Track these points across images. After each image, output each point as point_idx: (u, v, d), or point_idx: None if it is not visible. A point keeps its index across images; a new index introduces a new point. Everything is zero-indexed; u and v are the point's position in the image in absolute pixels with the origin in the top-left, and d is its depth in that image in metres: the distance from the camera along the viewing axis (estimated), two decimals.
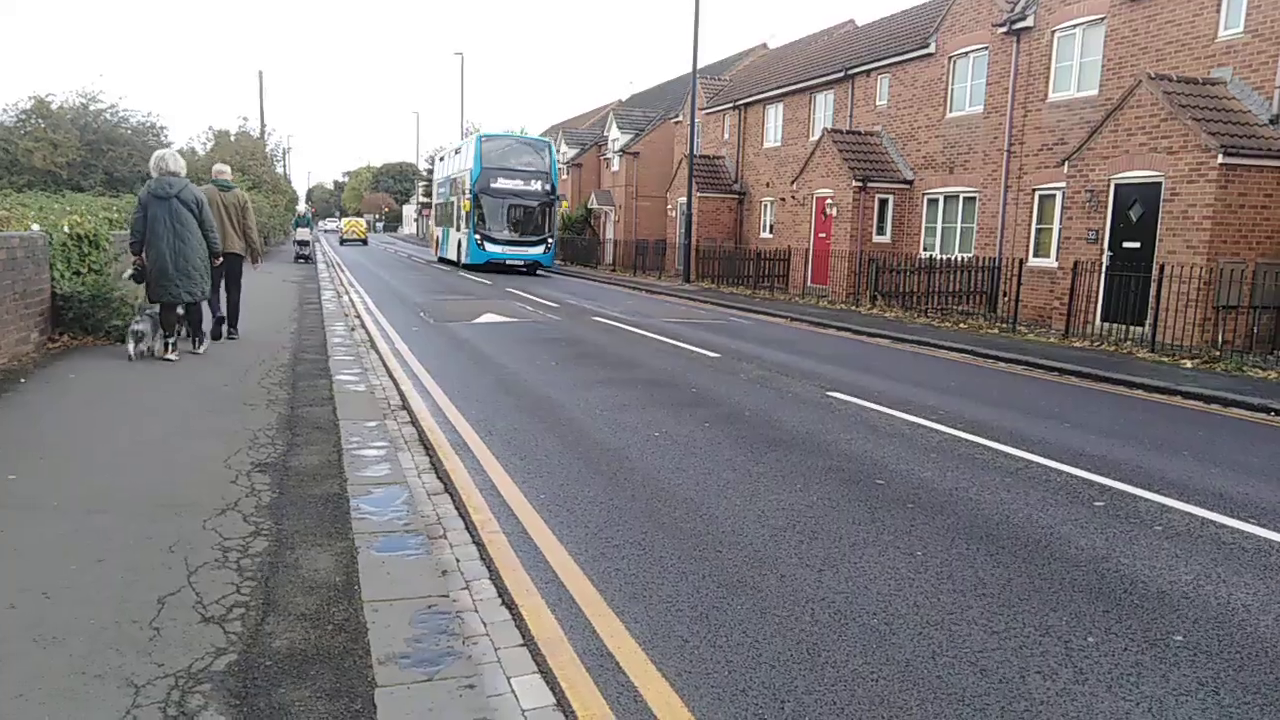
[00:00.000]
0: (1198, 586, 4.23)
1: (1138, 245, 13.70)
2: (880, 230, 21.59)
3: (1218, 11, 13.77)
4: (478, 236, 29.34)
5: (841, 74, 23.76)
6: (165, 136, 39.52)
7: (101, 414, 6.41)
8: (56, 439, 5.69)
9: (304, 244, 30.10)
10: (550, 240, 30.82)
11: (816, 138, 23.68)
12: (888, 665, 3.36)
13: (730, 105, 29.94)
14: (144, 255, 8.52)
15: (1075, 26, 16.64)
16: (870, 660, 3.40)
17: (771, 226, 27.71)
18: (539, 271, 30.59)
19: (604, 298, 21.20)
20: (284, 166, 57.16)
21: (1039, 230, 17.73)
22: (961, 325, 16.10)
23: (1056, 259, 16.01)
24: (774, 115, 27.84)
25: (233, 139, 42.91)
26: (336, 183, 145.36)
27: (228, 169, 10.78)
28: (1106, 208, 14.21)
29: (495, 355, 10.90)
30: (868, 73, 23.00)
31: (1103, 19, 15.86)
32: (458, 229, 32.25)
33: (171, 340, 8.64)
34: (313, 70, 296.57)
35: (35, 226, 8.99)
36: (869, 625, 3.69)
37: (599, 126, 45.33)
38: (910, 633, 3.63)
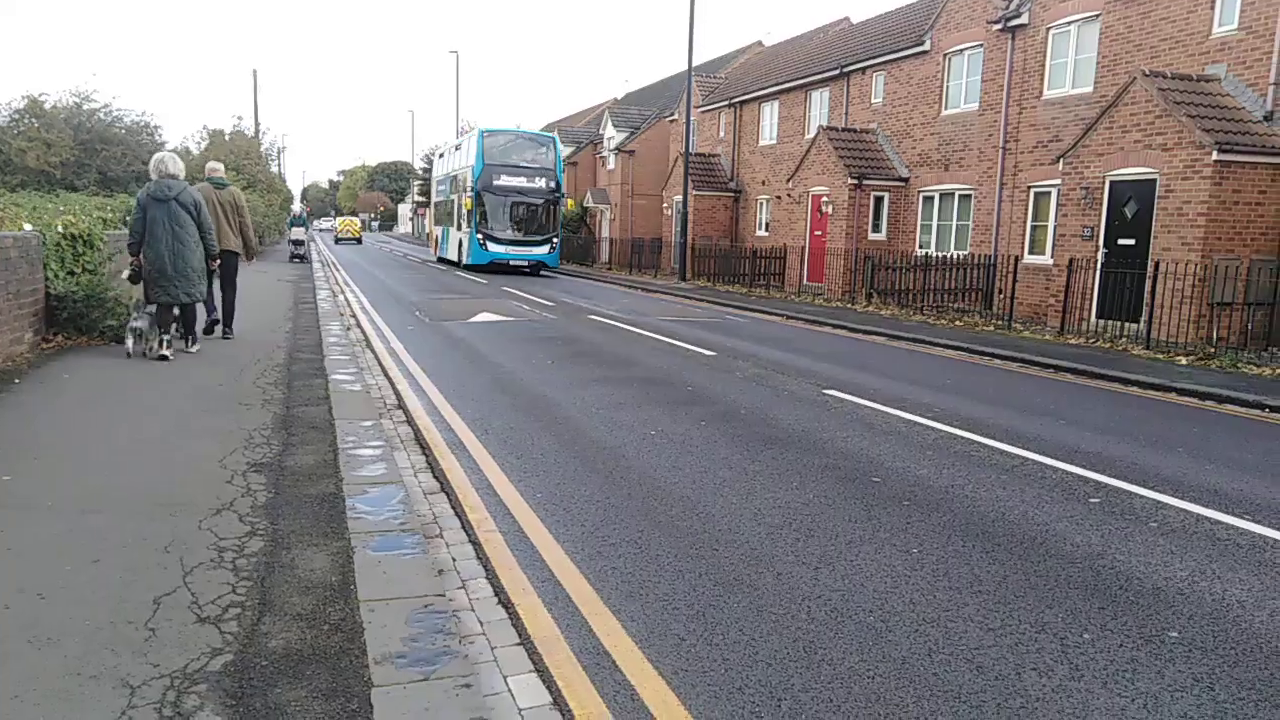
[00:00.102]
0: (1193, 583, 4.24)
1: (1133, 242, 13.73)
2: (876, 228, 21.61)
3: (1212, 8, 13.78)
4: (480, 236, 28.08)
5: (837, 71, 23.75)
6: (159, 136, 39.26)
7: (96, 414, 6.39)
8: (51, 439, 5.67)
9: (299, 243, 30.05)
10: (555, 240, 29.34)
11: (812, 135, 23.68)
12: (884, 662, 3.36)
13: (726, 103, 29.90)
14: (142, 256, 8.60)
15: (1070, 23, 16.66)
16: (867, 658, 3.40)
17: (767, 224, 27.71)
18: (541, 272, 29.49)
19: (600, 296, 21.19)
20: (279, 166, 57.01)
21: (1034, 227, 17.75)
22: (957, 322, 16.13)
23: (1052, 256, 16.05)
24: (769, 113, 27.82)
25: (227, 138, 42.75)
26: (331, 182, 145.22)
27: (221, 166, 10.77)
28: (1101, 205, 14.23)
29: (491, 354, 10.89)
30: (863, 70, 23.00)
31: (1097, 16, 15.88)
32: (458, 228, 31.21)
33: (168, 338, 8.67)
34: (307, 69, 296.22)
35: (28, 226, 8.96)
36: (865, 623, 3.69)
37: (594, 125, 45.29)
38: (906, 630, 3.64)
